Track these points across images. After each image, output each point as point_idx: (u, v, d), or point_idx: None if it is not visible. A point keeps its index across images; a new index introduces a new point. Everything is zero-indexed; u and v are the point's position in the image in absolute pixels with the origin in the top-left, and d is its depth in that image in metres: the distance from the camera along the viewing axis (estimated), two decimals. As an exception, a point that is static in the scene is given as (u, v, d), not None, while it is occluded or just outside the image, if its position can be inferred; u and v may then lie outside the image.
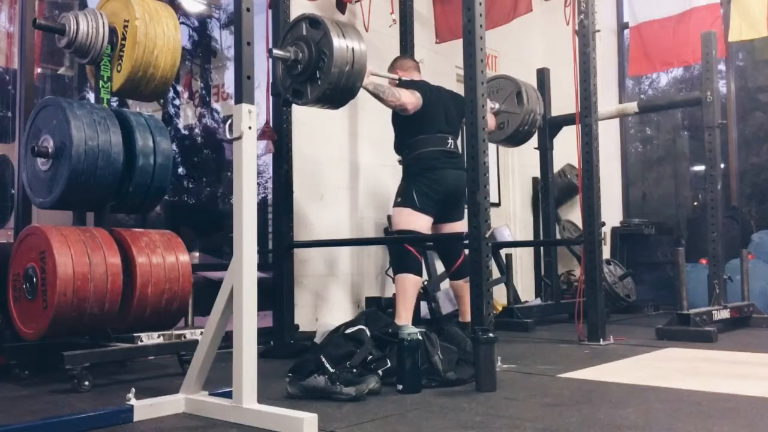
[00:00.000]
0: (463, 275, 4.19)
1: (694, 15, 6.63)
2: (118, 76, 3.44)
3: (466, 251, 4.23)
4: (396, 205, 4.13)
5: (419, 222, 4.02)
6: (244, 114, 2.38)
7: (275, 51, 3.22)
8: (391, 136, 4.27)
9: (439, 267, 4.85)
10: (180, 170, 6.37)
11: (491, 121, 4.42)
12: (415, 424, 2.31)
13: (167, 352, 3.42)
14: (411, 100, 4.02)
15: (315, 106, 3.56)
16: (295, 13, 4.52)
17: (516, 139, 4.86)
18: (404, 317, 3.88)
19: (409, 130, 4.13)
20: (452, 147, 4.14)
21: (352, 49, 3.28)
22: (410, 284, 3.94)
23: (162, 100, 5.24)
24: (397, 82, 4.22)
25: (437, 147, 4.08)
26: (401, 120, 4.13)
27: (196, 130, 6.47)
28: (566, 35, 4.83)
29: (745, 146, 6.99)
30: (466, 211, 4.28)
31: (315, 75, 3.26)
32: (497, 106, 4.70)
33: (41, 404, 2.71)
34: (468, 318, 4.07)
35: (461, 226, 4.21)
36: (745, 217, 6.66)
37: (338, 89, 3.33)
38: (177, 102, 6.09)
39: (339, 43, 3.24)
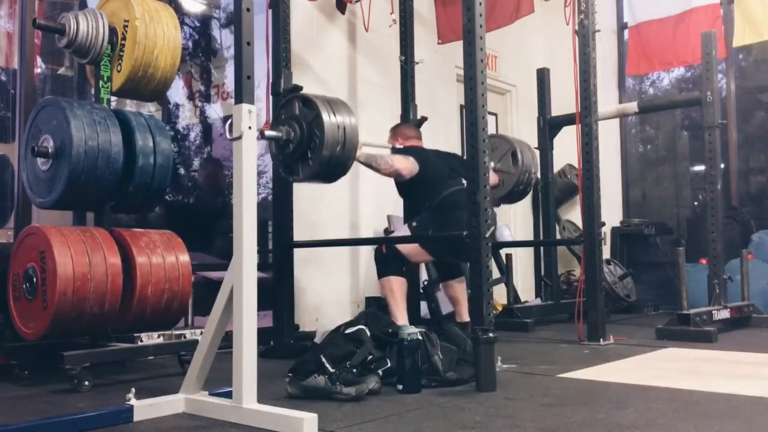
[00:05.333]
0: (453, 275, 4.20)
1: (693, 15, 6.65)
2: (118, 76, 3.43)
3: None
4: (409, 225, 4.10)
5: (415, 251, 4.00)
6: (244, 114, 2.38)
7: (267, 132, 3.20)
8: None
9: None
10: (180, 170, 6.37)
11: (493, 178, 4.38)
12: (415, 424, 2.31)
13: (167, 352, 3.41)
14: (405, 165, 4.02)
15: (308, 182, 3.55)
16: (295, 13, 4.54)
17: (512, 197, 4.90)
18: (401, 318, 3.88)
19: (419, 190, 4.11)
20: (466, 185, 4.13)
21: (344, 127, 3.25)
22: (396, 285, 3.95)
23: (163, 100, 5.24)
24: (391, 149, 4.24)
25: (455, 187, 4.05)
26: (409, 186, 4.12)
27: (196, 130, 6.47)
28: (566, 35, 4.83)
29: (746, 146, 6.99)
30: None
31: (306, 154, 3.25)
32: (492, 164, 4.70)
33: (41, 404, 2.71)
34: (465, 318, 4.09)
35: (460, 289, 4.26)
36: (745, 217, 6.66)
37: (330, 167, 3.30)
38: (177, 101, 6.09)
39: (330, 121, 3.21)
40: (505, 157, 4.74)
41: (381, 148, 4.30)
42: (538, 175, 5.12)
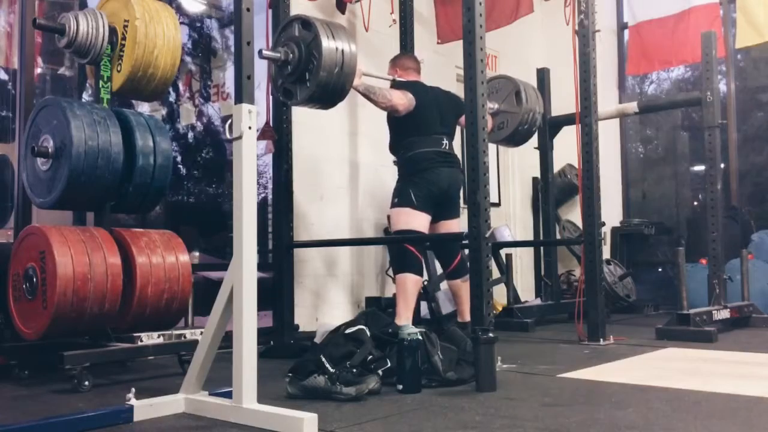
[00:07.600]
0: (460, 274, 4.19)
1: (693, 14, 6.65)
2: (118, 76, 3.43)
3: (465, 251, 4.24)
4: (394, 205, 4.13)
5: (418, 221, 4.02)
6: (244, 114, 2.38)
7: (265, 52, 3.22)
8: (391, 135, 4.27)
9: (439, 267, 4.85)
10: (180, 170, 6.37)
11: (489, 123, 4.41)
12: (415, 424, 2.31)
13: (167, 352, 3.41)
14: (402, 101, 4.01)
15: (305, 106, 3.57)
16: (294, 12, 4.53)
17: (515, 138, 4.85)
18: (405, 317, 3.88)
19: (404, 130, 4.12)
20: (446, 148, 4.14)
21: (342, 51, 3.27)
22: (411, 284, 3.94)
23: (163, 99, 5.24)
24: (390, 82, 4.22)
25: (432, 148, 4.08)
26: (396, 121, 4.13)
27: (196, 130, 6.48)
28: (566, 35, 4.83)
29: (746, 146, 6.99)
30: (461, 210, 4.29)
31: (304, 76, 3.26)
32: (496, 106, 4.70)
33: (41, 404, 2.71)
34: (467, 318, 4.08)
35: (456, 225, 4.21)
36: (745, 217, 6.66)
37: (327, 91, 3.34)
38: (177, 101, 6.09)
39: (328, 44, 3.23)
40: (509, 98, 4.72)
41: (382, 79, 4.29)
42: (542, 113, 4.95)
